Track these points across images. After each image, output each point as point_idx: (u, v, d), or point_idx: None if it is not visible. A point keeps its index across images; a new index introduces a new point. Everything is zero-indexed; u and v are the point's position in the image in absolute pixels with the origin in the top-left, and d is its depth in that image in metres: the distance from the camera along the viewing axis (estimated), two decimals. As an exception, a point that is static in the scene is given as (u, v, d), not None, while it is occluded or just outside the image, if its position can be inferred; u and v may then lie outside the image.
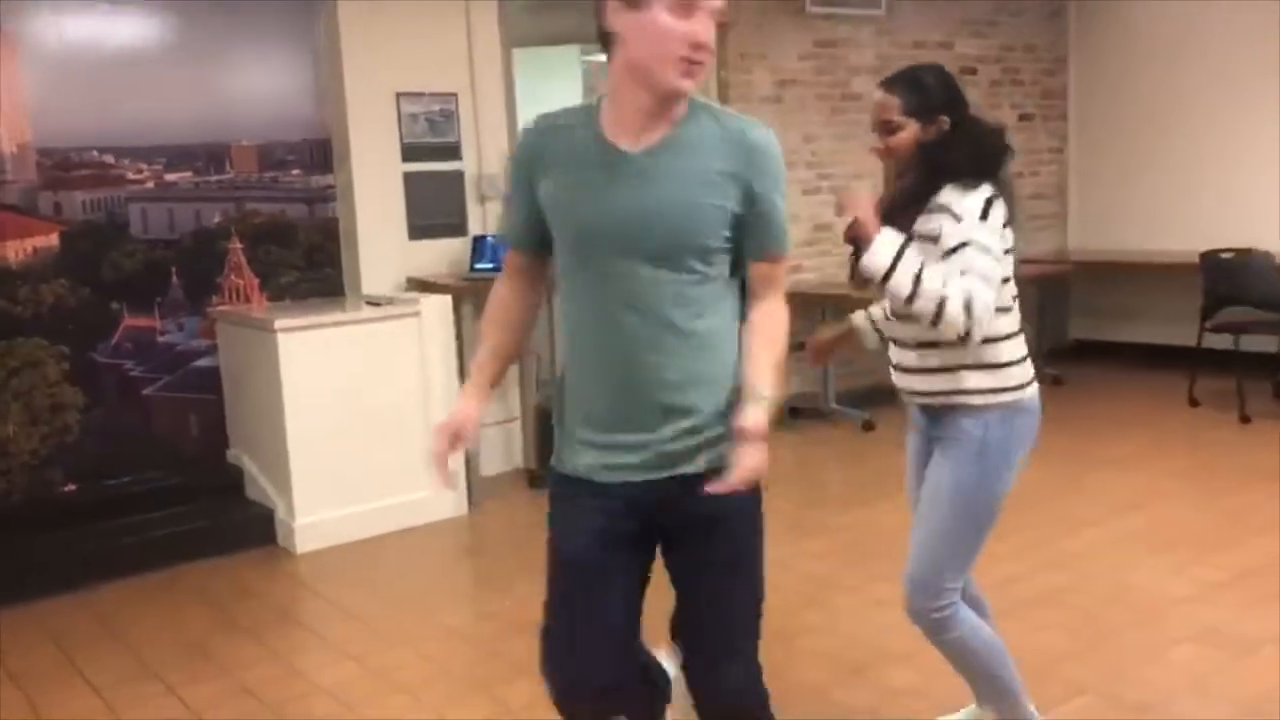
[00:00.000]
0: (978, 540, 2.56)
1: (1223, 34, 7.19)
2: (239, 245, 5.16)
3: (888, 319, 2.59)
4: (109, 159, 4.90)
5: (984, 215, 2.34)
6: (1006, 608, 3.66)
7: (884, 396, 6.36)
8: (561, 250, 1.97)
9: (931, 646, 2.61)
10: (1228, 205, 7.20)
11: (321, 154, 5.36)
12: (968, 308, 2.27)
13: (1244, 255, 6.31)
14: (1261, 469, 5.08)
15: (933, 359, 2.47)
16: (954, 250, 2.32)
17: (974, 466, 2.47)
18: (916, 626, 2.57)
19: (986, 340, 2.40)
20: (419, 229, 5.52)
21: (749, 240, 1.92)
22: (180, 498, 4.86)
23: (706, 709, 2.06)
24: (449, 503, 4.99)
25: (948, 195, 2.38)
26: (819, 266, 6.89)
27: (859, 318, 2.74)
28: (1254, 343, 6.28)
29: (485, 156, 5.70)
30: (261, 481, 4.88)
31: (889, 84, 2.48)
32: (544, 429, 5.55)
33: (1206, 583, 3.79)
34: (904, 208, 2.44)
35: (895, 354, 2.58)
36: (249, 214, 5.20)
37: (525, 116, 6.01)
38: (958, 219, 2.34)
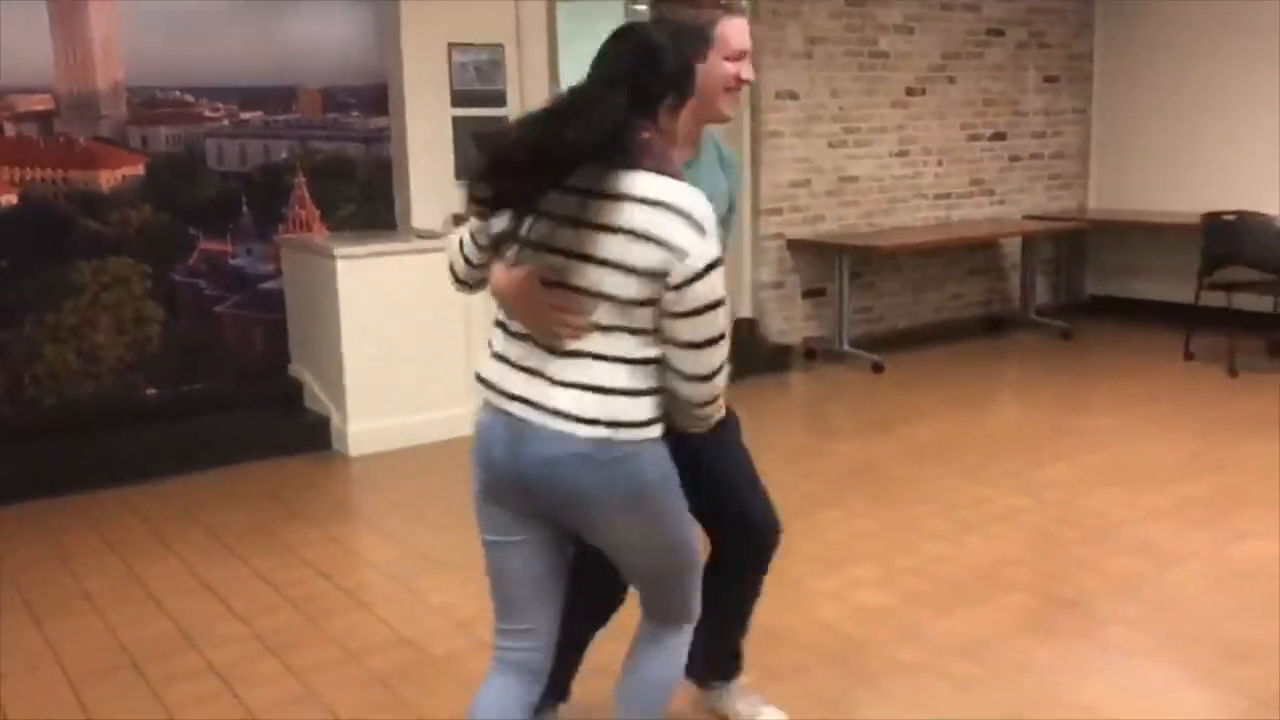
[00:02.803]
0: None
1: (1240, 13, 7.44)
2: (303, 179, 5.69)
3: None
4: (189, 98, 5.44)
5: None
6: (974, 522, 4.18)
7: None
8: None
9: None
10: (1234, 170, 7.51)
11: (378, 98, 5.85)
12: None
13: (1244, 217, 6.63)
14: (1237, 418, 5.48)
15: None
16: None
17: None
18: None
19: None
20: (466, 170, 6.01)
21: None
22: (247, 404, 5.45)
23: None
24: (486, 419, 5.53)
25: None
26: (841, 216, 7.31)
27: None
28: (1247, 301, 6.64)
29: (529, 103, 6.15)
30: (319, 392, 5.46)
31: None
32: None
33: (1153, 508, 4.24)
34: None
35: None
36: (312, 151, 5.73)
37: (567, 66, 6.49)
38: None
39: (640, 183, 1.90)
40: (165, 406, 5.34)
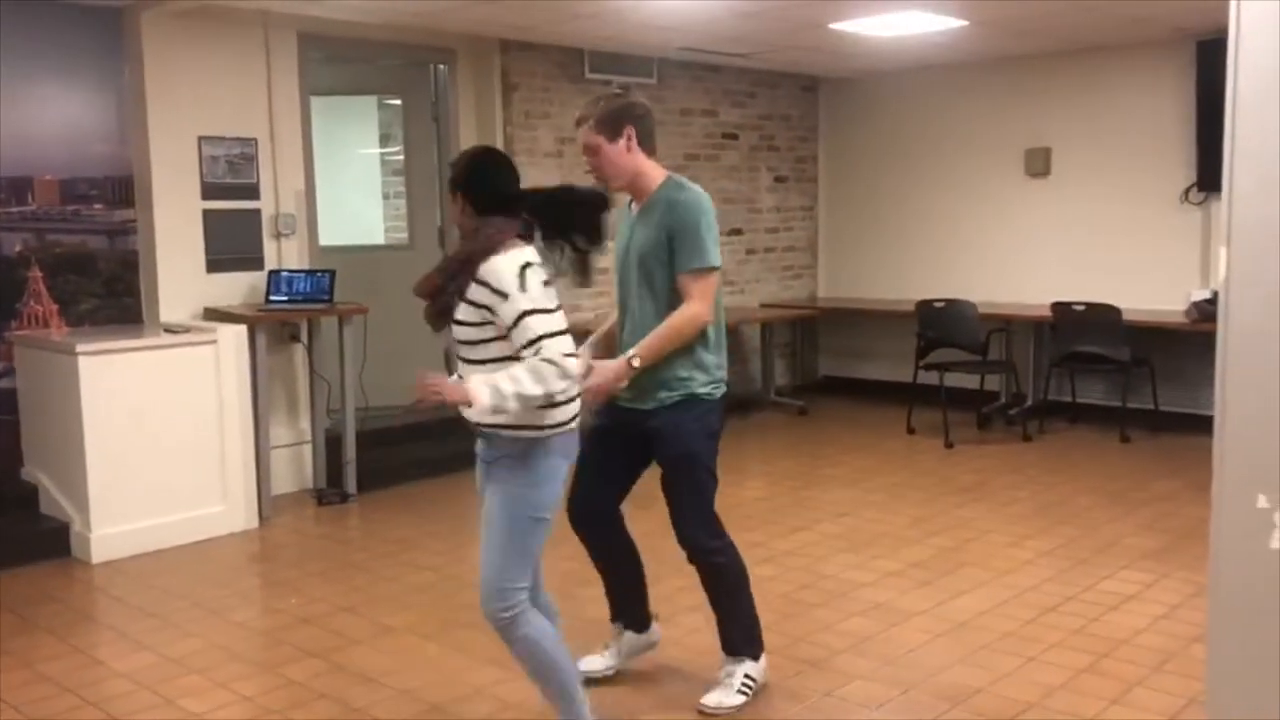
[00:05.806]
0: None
1: (940, 129, 8.38)
2: (39, 274, 5.43)
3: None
4: (-92, 187, 5.12)
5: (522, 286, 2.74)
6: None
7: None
8: None
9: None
10: (942, 262, 8.39)
11: (124, 190, 5.69)
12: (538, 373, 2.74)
13: (952, 305, 7.40)
14: (952, 486, 6.07)
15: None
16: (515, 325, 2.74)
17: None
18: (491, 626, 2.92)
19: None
20: (216, 262, 5.92)
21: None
22: (-26, 512, 5.09)
23: None
24: (240, 517, 5.39)
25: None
26: (596, 305, 7.61)
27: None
28: (957, 379, 7.39)
29: (282, 196, 6.15)
30: (57, 496, 5.16)
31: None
32: (332, 452, 6.00)
33: (884, 572, 4.66)
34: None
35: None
36: (50, 244, 5.49)
37: (321, 160, 6.53)
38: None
39: None
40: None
